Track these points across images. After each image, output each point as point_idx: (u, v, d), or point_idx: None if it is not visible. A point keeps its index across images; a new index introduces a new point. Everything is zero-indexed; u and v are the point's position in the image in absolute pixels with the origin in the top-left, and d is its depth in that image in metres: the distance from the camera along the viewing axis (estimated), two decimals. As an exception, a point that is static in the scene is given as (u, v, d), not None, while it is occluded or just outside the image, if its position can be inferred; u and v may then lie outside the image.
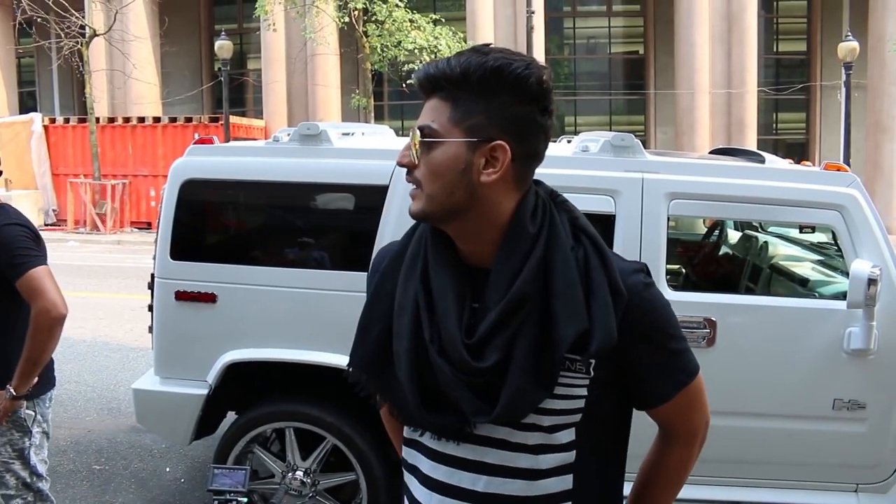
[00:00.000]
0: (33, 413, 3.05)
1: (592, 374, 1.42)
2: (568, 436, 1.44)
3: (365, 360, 1.49)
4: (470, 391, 1.36)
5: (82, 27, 21.47)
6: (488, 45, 1.42)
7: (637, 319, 1.41)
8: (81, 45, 21.13)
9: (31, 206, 21.24)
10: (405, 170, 1.43)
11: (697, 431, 1.59)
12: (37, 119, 22.47)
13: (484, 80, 1.36)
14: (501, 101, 1.37)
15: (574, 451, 1.45)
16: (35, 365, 2.90)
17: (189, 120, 22.17)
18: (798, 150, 26.35)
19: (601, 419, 1.47)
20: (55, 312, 2.86)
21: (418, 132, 1.39)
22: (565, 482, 1.45)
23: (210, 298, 3.89)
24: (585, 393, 1.42)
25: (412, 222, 1.57)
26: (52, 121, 23.29)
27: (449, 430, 1.42)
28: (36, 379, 2.96)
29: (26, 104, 29.87)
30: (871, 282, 3.34)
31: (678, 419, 1.55)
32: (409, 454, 1.54)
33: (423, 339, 1.39)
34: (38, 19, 21.28)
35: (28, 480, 3.05)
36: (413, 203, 1.42)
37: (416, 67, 19.90)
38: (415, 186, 1.42)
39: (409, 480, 1.55)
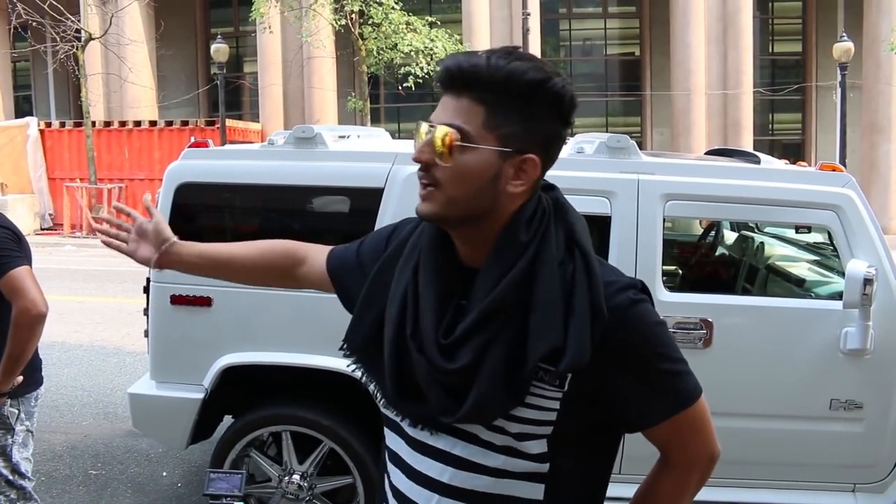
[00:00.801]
0: (17, 411, 3.11)
1: (566, 388, 1.39)
2: (538, 447, 1.41)
3: (357, 342, 1.53)
4: (442, 389, 1.38)
5: (78, 31, 21.43)
6: (517, 48, 1.39)
7: (619, 338, 1.37)
8: (77, 49, 21.09)
9: (26, 210, 21.20)
10: (415, 168, 1.41)
11: (695, 462, 1.50)
12: (32, 123, 22.42)
13: (527, 90, 1.34)
14: (539, 115, 1.35)
15: (547, 463, 1.43)
16: (16, 363, 2.94)
17: (185, 123, 22.13)
18: (794, 151, 26.37)
19: (577, 435, 1.44)
20: (35, 311, 2.92)
21: (451, 130, 1.34)
22: (535, 490, 1.43)
23: (205, 302, 3.88)
24: (557, 406, 1.39)
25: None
26: (48, 125, 23.23)
27: (424, 420, 1.44)
28: (20, 378, 3.02)
29: (22, 108, 29.83)
30: (867, 282, 3.34)
31: (672, 446, 1.49)
32: (389, 436, 1.56)
33: (406, 333, 1.42)
34: (34, 23, 21.22)
35: (10, 478, 3.11)
36: (424, 203, 1.38)
37: (412, 70, 19.92)
38: (428, 185, 1.38)
39: (387, 460, 1.57)
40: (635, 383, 1.41)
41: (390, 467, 1.55)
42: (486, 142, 1.35)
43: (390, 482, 1.55)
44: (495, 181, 1.36)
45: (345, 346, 1.56)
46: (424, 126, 1.38)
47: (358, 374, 1.56)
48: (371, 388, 1.54)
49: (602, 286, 1.37)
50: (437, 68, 1.40)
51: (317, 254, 1.82)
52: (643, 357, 1.40)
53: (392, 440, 1.55)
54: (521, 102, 1.34)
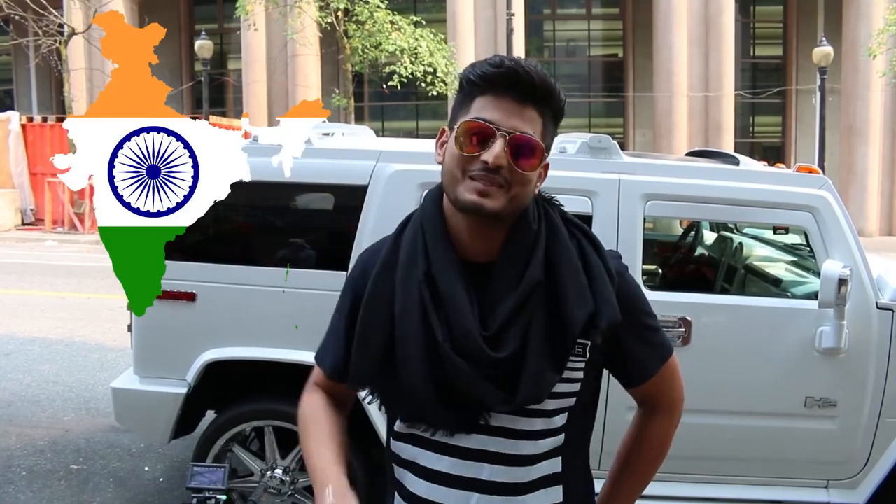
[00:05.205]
0: None
1: (588, 356, 1.50)
2: (562, 419, 1.52)
3: (368, 370, 1.52)
4: (489, 383, 1.42)
5: (60, 26, 21.29)
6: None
7: (625, 300, 1.51)
8: (60, 44, 20.95)
9: (8, 205, 21.02)
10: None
11: (677, 402, 1.68)
12: (14, 118, 22.22)
13: (563, 113, 1.52)
14: (556, 132, 1.54)
15: (564, 435, 1.53)
16: None
17: (168, 120, 21.99)
18: (774, 153, 26.60)
19: (585, 403, 1.56)
20: None
21: (541, 144, 1.45)
22: (556, 465, 1.53)
23: (189, 297, 3.89)
24: (582, 376, 1.51)
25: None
26: (30, 119, 23.07)
27: (462, 423, 1.47)
28: None
29: (3, 103, 29.56)
30: (842, 282, 3.40)
31: (661, 392, 1.65)
32: (404, 449, 1.57)
33: (434, 340, 1.43)
34: (16, 17, 21.07)
35: None
36: (488, 199, 1.43)
37: (397, 69, 19.91)
38: (493, 184, 1.43)
39: (403, 476, 1.57)
40: (636, 342, 1.57)
41: (411, 479, 1.56)
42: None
43: (408, 493, 1.56)
44: (535, 183, 1.51)
45: (351, 380, 1.56)
46: (497, 134, 1.43)
47: (375, 403, 1.56)
48: (386, 411, 1.56)
49: (606, 253, 1.53)
50: (488, 65, 1.45)
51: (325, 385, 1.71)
52: (637, 316, 1.57)
53: (408, 451, 1.56)
54: (557, 122, 1.52)
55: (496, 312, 1.43)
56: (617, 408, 2.72)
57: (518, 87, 1.43)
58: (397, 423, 1.56)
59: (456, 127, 1.46)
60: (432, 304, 1.44)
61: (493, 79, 1.44)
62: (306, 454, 1.58)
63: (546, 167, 1.54)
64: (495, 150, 1.41)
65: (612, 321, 1.46)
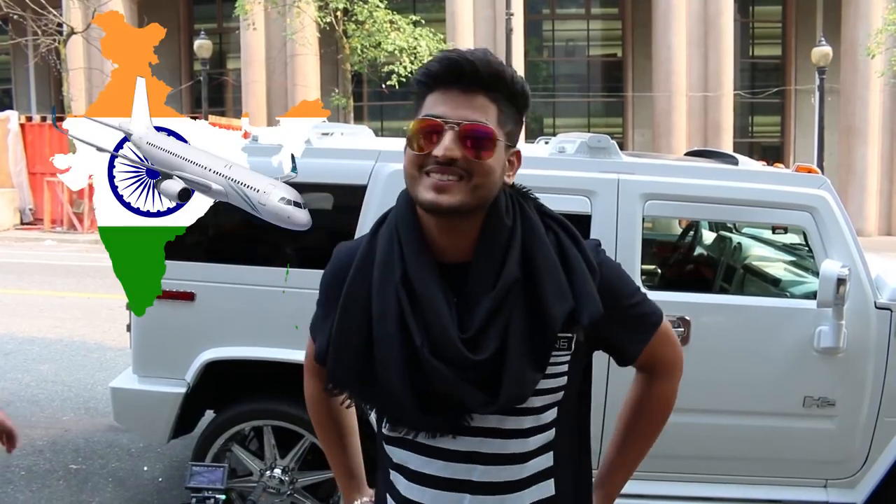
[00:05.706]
0: None
1: (573, 349, 1.50)
2: (552, 414, 1.52)
3: (347, 374, 1.50)
4: (471, 386, 1.40)
5: (59, 25, 21.27)
6: (487, 50, 1.50)
7: (605, 289, 1.50)
8: (59, 44, 20.94)
9: (6, 204, 21.01)
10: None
11: (676, 363, 1.69)
12: (13, 117, 22.21)
13: (523, 96, 1.49)
14: (521, 117, 1.51)
15: (554, 429, 1.52)
16: None
17: (167, 119, 21.96)
18: (773, 153, 26.59)
19: (572, 395, 1.55)
20: None
21: (492, 129, 1.43)
22: (548, 460, 1.53)
23: (188, 297, 3.90)
24: (567, 369, 1.50)
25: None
26: (29, 119, 23.05)
27: (446, 427, 1.46)
28: None
29: (2, 102, 29.55)
30: (841, 281, 3.41)
31: (657, 358, 1.65)
32: (394, 453, 1.56)
33: (412, 344, 1.41)
34: (15, 16, 21.05)
35: None
36: (445, 195, 1.42)
37: (396, 69, 19.91)
38: (452, 178, 1.42)
39: (396, 479, 1.57)
40: (624, 321, 1.56)
41: (403, 483, 1.55)
42: (501, 137, 1.46)
43: (400, 496, 1.56)
44: (502, 172, 1.47)
45: (330, 385, 1.54)
46: (447, 126, 1.42)
47: (352, 406, 1.57)
48: (371, 413, 1.55)
49: (585, 244, 1.52)
50: (433, 62, 1.46)
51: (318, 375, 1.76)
52: (624, 299, 1.57)
53: (398, 455, 1.55)
54: (518, 105, 1.49)
55: (473, 314, 1.41)
56: (617, 407, 2.72)
57: (463, 77, 1.43)
58: (385, 426, 1.56)
59: (407, 129, 1.47)
60: (410, 308, 1.43)
61: (437, 74, 1.44)
62: (327, 455, 1.85)
63: (518, 155, 1.53)
64: (445, 143, 1.41)
65: (593, 316, 1.45)
